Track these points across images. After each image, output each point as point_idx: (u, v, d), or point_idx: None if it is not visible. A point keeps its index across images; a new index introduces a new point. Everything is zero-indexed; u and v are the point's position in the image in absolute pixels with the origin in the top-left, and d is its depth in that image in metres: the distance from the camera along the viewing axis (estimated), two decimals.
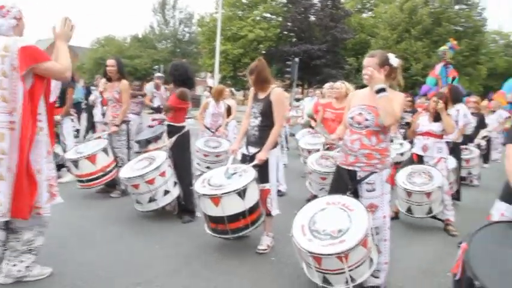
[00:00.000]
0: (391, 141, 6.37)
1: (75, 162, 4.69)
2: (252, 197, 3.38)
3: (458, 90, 5.94)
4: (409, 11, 28.12)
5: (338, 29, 27.26)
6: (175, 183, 4.33)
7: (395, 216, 4.93)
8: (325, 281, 2.78)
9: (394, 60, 2.91)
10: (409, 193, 4.49)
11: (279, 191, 5.65)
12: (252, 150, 3.65)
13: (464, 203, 5.81)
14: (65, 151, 5.63)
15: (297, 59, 18.13)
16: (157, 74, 9.82)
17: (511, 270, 2.01)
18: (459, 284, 2.17)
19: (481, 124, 7.71)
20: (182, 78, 4.34)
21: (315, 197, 4.57)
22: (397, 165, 5.71)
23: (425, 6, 28.33)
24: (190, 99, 4.49)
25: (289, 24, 28.25)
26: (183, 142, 4.38)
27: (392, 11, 29.45)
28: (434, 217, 4.65)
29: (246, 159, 3.67)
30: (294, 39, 28.42)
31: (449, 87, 5.84)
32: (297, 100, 16.41)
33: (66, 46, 2.76)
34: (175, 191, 4.31)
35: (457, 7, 29.36)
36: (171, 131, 4.41)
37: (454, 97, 5.66)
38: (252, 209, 3.39)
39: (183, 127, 4.40)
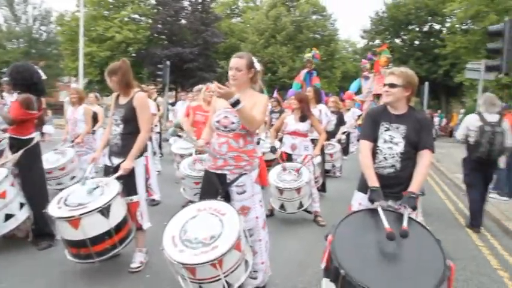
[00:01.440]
0: (258, 143, 6.61)
1: None
2: (118, 213, 3.07)
3: (320, 91, 6.44)
4: (274, 18, 30.10)
5: (209, 32, 27.52)
6: (21, 204, 3.68)
7: (270, 214, 5.12)
8: None
9: (257, 65, 2.94)
10: (280, 191, 4.66)
11: (153, 200, 5.39)
12: (116, 160, 3.32)
13: (330, 194, 6.33)
14: None
15: (168, 62, 17.63)
16: (5, 79, 8.48)
17: (371, 253, 2.19)
18: (328, 274, 2.27)
19: (341, 121, 8.51)
20: (26, 83, 3.71)
21: (190, 202, 4.46)
22: (270, 163, 6.01)
23: (288, 14, 30.66)
24: (52, 106, 3.85)
25: (159, 26, 27.45)
26: (32, 157, 3.78)
27: (259, 18, 31.21)
28: (305, 210, 4.92)
29: (109, 171, 3.31)
30: (165, 42, 27.75)
31: (313, 89, 6.26)
32: (172, 104, 15.99)
33: None
34: (22, 214, 3.67)
35: (314, 17, 32.41)
36: (15, 145, 3.76)
37: (317, 98, 6.12)
38: (119, 227, 3.07)
39: (31, 140, 3.79)
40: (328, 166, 7.84)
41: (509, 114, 6.83)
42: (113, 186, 3.10)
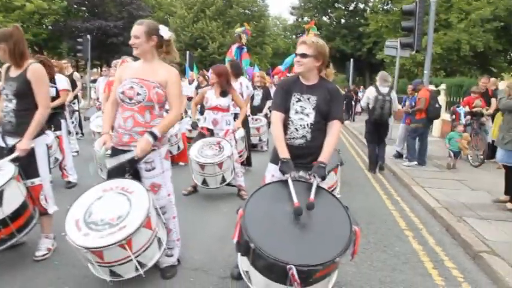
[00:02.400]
0: (181, 118, 6.41)
1: None
2: (13, 199, 2.76)
3: (238, 65, 6.38)
4: None
5: (134, 5, 26.01)
6: None
7: (193, 190, 5.05)
8: (113, 273, 2.53)
9: (166, 33, 2.74)
10: (202, 166, 4.57)
11: (69, 182, 5.08)
12: (10, 141, 2.96)
13: (256, 168, 6.36)
14: None
15: (89, 36, 16.37)
16: None
17: (281, 225, 2.18)
18: (239, 248, 2.24)
19: (267, 96, 8.53)
20: None
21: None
22: (189, 140, 5.86)
23: None
24: None
25: None
26: None
27: None
28: (228, 184, 4.89)
29: (3, 152, 2.94)
30: (86, 15, 25.77)
31: (229, 63, 6.15)
32: (93, 82, 14.98)
33: None
34: None
35: None
36: None
37: (235, 72, 6.01)
38: (16, 214, 2.77)
39: None
40: (255, 140, 7.88)
41: (423, 89, 7.35)
42: (7, 169, 2.78)
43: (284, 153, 2.47)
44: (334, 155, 4.13)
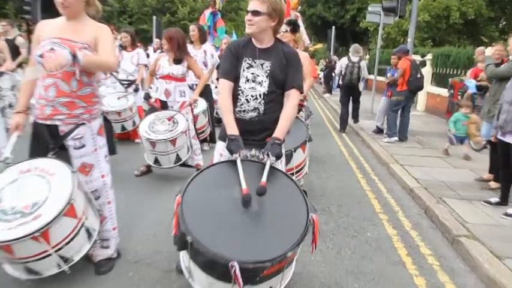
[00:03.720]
0: (137, 89, 6.18)
1: None
2: None
3: (204, 31, 6.09)
4: None
5: None
6: None
7: (147, 170, 4.89)
8: (30, 271, 2.29)
9: None
10: (152, 143, 4.35)
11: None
12: None
13: None
14: None
15: None
16: None
17: (226, 214, 1.98)
18: (176, 241, 2.04)
19: None
20: None
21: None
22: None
23: None
24: None
25: None
26: None
27: None
28: (184, 165, 4.71)
29: None
30: None
31: (197, 27, 5.86)
32: None
33: None
34: None
35: None
36: None
37: (202, 38, 5.76)
38: None
39: None
40: (221, 114, 7.64)
41: (403, 59, 7.23)
42: None
43: (232, 129, 2.26)
44: (302, 130, 4.02)
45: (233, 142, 2.21)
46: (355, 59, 8.19)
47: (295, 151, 3.76)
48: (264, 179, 2.07)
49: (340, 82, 8.90)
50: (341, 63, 8.49)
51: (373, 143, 7.17)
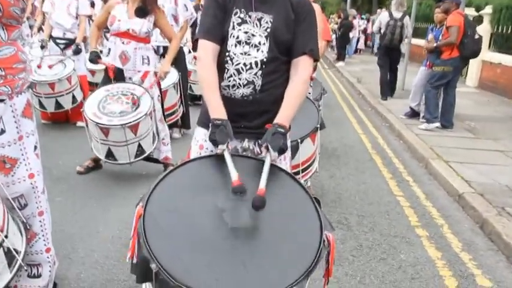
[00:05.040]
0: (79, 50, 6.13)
1: None
2: None
3: None
4: None
5: None
6: None
7: (94, 166, 4.88)
8: None
9: None
10: (105, 130, 4.31)
11: None
12: None
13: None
14: None
15: None
16: None
17: (206, 231, 1.91)
18: (135, 268, 1.97)
19: None
20: None
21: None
22: (93, 88, 5.54)
23: None
24: None
25: None
26: None
27: None
28: (148, 159, 4.70)
29: None
30: None
31: None
32: None
33: None
34: None
35: None
36: None
37: None
38: None
39: None
40: (197, 89, 7.68)
41: (454, 13, 7.12)
42: None
43: (217, 111, 2.20)
44: (312, 113, 3.97)
45: (219, 130, 2.15)
46: (398, 14, 8.92)
47: (301, 142, 3.72)
48: (262, 185, 1.99)
49: (378, 42, 9.55)
50: (380, 20, 9.47)
51: (406, 131, 7.17)
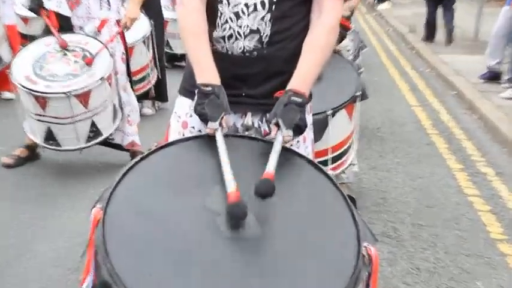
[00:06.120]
0: None
1: None
2: None
3: None
4: None
5: None
6: None
7: (28, 156, 4.92)
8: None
9: None
10: (42, 100, 4.34)
11: None
12: None
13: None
14: None
15: None
16: None
17: (183, 242, 1.94)
18: None
19: None
20: None
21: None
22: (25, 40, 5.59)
23: None
24: None
25: None
26: None
27: None
28: (107, 145, 4.79)
29: None
30: None
31: None
32: None
33: None
34: None
35: None
36: None
37: None
38: None
39: None
40: (175, 46, 7.82)
41: None
42: None
43: (206, 74, 2.24)
44: (348, 76, 4.01)
45: (208, 100, 2.19)
46: None
47: (333, 116, 3.71)
48: (270, 167, 2.02)
49: None
50: None
51: (482, 102, 7.18)
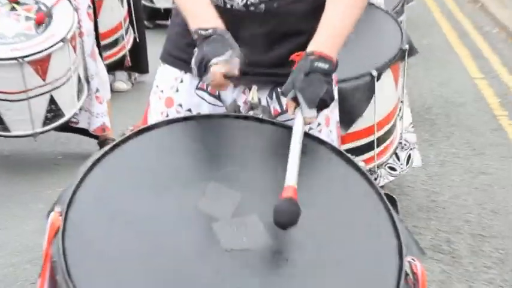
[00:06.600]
0: None
1: None
2: None
3: None
4: None
5: None
6: None
7: None
8: None
9: None
10: None
11: None
12: None
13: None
14: None
15: None
16: None
17: (169, 256, 1.95)
18: None
19: None
20: None
21: None
22: None
23: None
24: None
25: None
26: None
27: None
28: (70, 129, 4.85)
29: None
30: None
31: None
32: None
33: None
34: None
35: None
36: None
37: None
38: None
39: None
40: (160, 1, 7.89)
41: None
42: None
43: (204, 16, 2.24)
44: (390, 30, 4.07)
45: (209, 40, 2.20)
46: None
47: (378, 78, 3.70)
48: (291, 178, 2.01)
49: None
50: None
51: None
